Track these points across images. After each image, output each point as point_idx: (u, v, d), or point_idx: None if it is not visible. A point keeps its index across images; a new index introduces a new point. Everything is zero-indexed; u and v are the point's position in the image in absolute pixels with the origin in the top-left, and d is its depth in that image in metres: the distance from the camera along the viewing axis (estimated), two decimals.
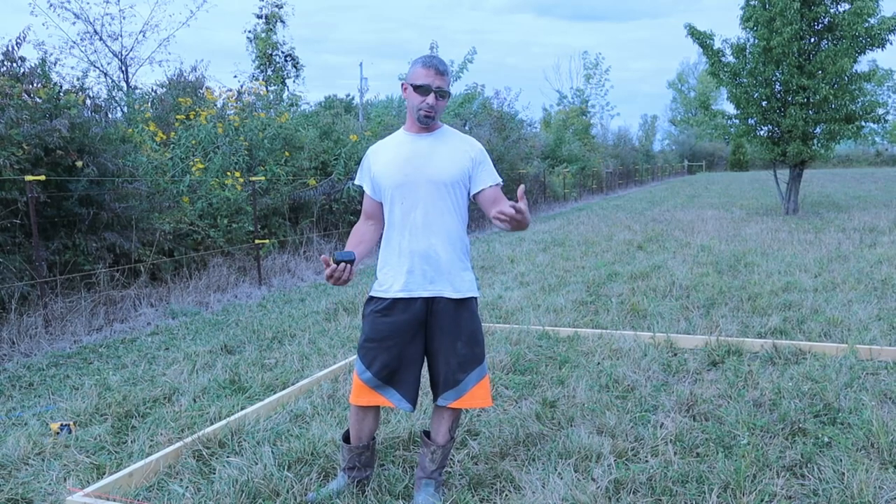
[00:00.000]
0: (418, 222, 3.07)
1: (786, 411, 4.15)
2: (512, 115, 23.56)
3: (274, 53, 15.55)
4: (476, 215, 16.60)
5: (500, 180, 3.18)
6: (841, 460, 3.53)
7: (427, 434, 3.30)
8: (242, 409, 4.45)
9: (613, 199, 27.88)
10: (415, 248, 3.07)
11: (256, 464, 3.58)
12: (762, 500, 3.16)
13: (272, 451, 3.73)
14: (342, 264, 2.92)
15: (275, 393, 4.77)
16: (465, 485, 3.39)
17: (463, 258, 3.15)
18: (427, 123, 3.06)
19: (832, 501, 3.12)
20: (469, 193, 3.18)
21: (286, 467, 3.57)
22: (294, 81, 15.94)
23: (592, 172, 31.45)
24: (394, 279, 3.11)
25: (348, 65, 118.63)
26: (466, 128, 19.22)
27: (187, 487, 3.42)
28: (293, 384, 4.92)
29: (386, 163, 3.13)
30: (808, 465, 3.51)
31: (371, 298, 3.19)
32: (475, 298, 3.20)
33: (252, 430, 4.08)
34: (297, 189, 11.12)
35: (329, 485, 3.34)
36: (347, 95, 23.55)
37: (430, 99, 2.99)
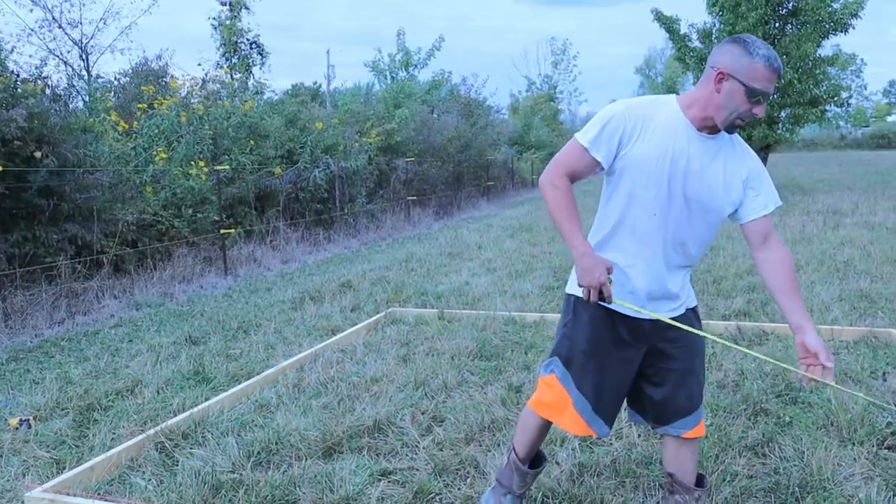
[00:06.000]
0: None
1: (748, 392, 4.19)
2: (480, 102, 23.55)
3: (239, 41, 15.36)
4: (445, 202, 16.59)
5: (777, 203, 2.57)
6: (801, 439, 3.57)
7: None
8: (207, 399, 4.40)
9: (582, 185, 27.97)
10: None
11: (221, 455, 3.55)
12: (724, 480, 3.19)
13: (236, 442, 3.69)
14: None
15: (239, 383, 4.73)
16: (430, 471, 3.38)
17: None
18: (732, 132, 2.49)
19: (792, 479, 3.16)
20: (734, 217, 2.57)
21: (250, 457, 3.54)
22: (260, 69, 15.78)
23: None
24: None
25: (318, 52, 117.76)
26: (434, 115, 19.18)
27: (150, 480, 3.38)
28: (258, 374, 4.88)
29: (647, 144, 2.43)
30: (770, 445, 3.55)
31: None
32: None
33: (216, 420, 4.04)
34: (262, 178, 11.02)
35: None
36: (314, 83, 23.40)
37: (760, 111, 2.38)
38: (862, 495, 3.01)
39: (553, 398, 2.66)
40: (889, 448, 3.51)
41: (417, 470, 3.42)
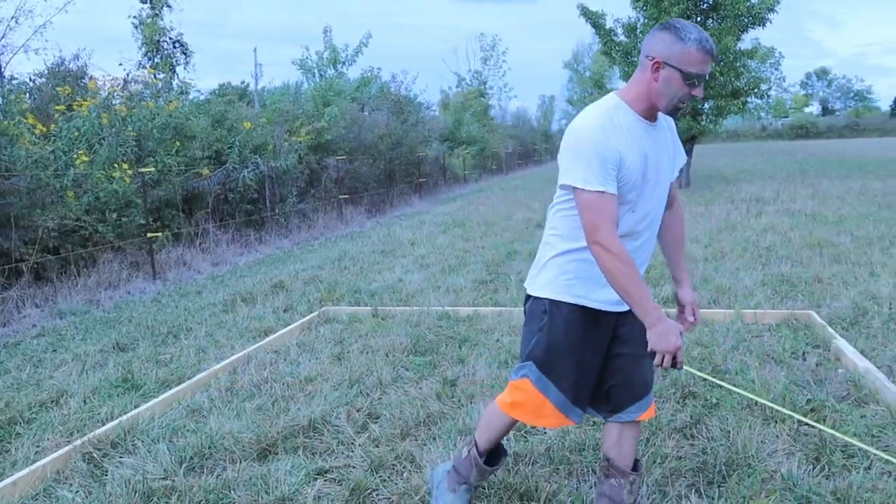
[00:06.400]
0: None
1: (677, 376, 4.30)
2: (410, 99, 23.53)
3: (161, 39, 14.99)
4: (377, 200, 16.55)
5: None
6: (727, 419, 3.68)
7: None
8: (136, 407, 4.29)
9: (513, 179, 28.24)
10: None
11: (152, 462, 3.47)
12: (655, 462, 3.27)
13: (168, 448, 3.62)
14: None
15: (170, 388, 4.63)
16: (366, 467, 3.37)
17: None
18: (675, 116, 2.57)
19: (719, 458, 3.26)
20: None
21: (183, 463, 3.48)
22: (184, 68, 15.43)
23: (492, 153, 31.75)
24: None
25: (247, 51, 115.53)
26: (365, 113, 19.08)
27: (77, 492, 3.28)
28: (190, 378, 4.78)
29: (629, 154, 2.44)
30: (698, 426, 3.65)
31: None
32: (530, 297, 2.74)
33: (147, 428, 3.95)
34: (189, 179, 10.79)
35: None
36: (242, 82, 23.03)
37: (699, 92, 2.42)
38: (784, 470, 3.12)
39: (527, 401, 2.67)
40: (809, 424, 3.64)
41: (354, 467, 3.41)
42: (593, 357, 2.60)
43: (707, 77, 2.45)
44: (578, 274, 2.55)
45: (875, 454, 3.18)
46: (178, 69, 15.39)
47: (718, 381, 2.53)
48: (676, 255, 2.82)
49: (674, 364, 2.36)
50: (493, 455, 2.94)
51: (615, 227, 2.36)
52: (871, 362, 4.34)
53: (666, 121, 2.64)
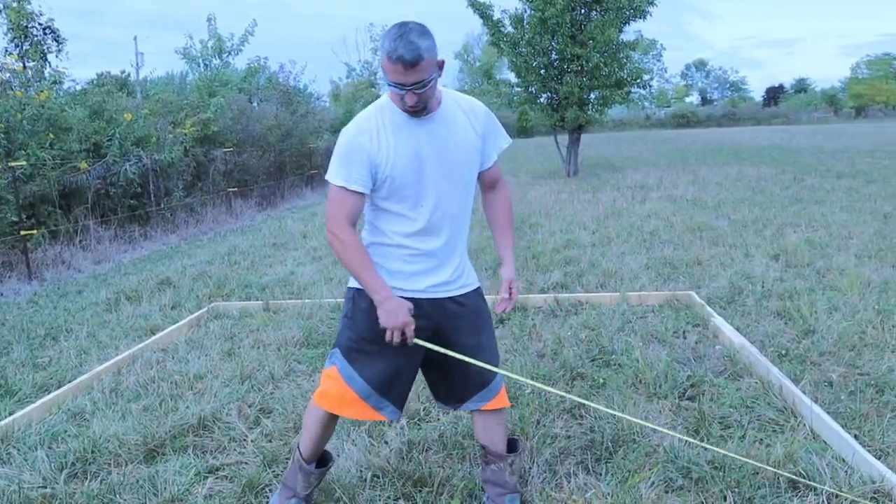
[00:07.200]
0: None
1: (566, 359, 4.42)
2: (300, 89, 23.15)
3: (30, 26, 14.15)
4: (268, 192, 16.24)
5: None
6: (614, 398, 3.82)
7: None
8: (11, 414, 4.07)
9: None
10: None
11: (29, 470, 3.30)
12: (544, 443, 3.35)
13: (47, 455, 3.46)
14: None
15: (49, 393, 4.42)
16: (259, 463, 3.32)
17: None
18: (419, 117, 2.51)
19: (606, 436, 3.37)
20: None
21: (63, 469, 3.32)
22: (56, 57, 14.60)
23: None
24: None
25: (127, 39, 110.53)
26: (253, 103, 18.66)
27: None
28: (70, 381, 4.57)
29: (392, 152, 2.49)
30: (586, 406, 3.76)
31: None
32: None
33: (23, 435, 3.75)
34: (66, 174, 10.28)
35: None
36: (122, 72, 22.07)
37: (409, 99, 2.39)
38: (666, 443, 3.26)
39: (336, 390, 2.67)
40: (689, 399, 3.82)
41: (246, 463, 3.35)
42: (404, 349, 2.57)
43: (415, 85, 2.35)
44: (380, 264, 2.60)
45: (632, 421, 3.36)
46: (50, 57, 14.57)
47: (444, 351, 2.60)
48: (500, 233, 2.84)
49: (403, 341, 2.49)
50: (321, 461, 2.91)
51: (348, 220, 2.48)
52: (745, 338, 4.59)
53: (462, 107, 2.62)
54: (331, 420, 2.75)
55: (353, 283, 2.67)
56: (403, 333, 2.47)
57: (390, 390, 2.65)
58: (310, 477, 2.82)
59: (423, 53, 2.31)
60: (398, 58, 2.30)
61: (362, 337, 2.61)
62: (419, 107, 2.43)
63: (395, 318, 2.44)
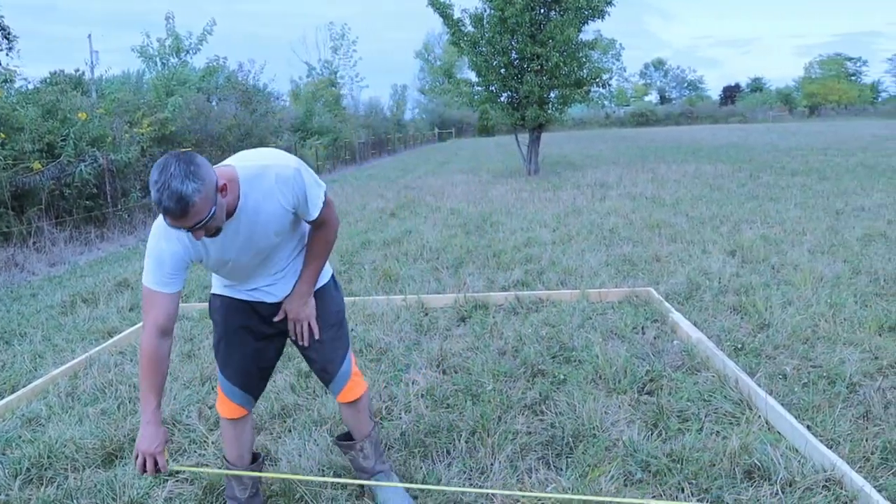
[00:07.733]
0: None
1: (527, 356, 4.45)
2: (259, 89, 22.94)
3: None
4: None
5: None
6: (574, 394, 3.85)
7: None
8: None
9: (367, 169, 28.13)
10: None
11: None
12: (506, 439, 3.38)
13: (0, 462, 3.39)
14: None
15: (2, 398, 4.33)
16: (219, 465, 3.29)
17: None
18: (217, 235, 2.41)
19: (566, 431, 3.41)
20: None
21: (18, 476, 3.27)
22: (7, 55, 14.26)
23: (345, 144, 31.52)
24: None
25: (81, 37, 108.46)
26: (212, 103, 18.45)
27: None
28: (24, 386, 4.49)
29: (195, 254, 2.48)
30: (546, 402, 3.79)
31: None
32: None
33: None
34: (18, 174, 10.07)
35: None
36: (77, 71, 21.60)
37: (196, 235, 2.25)
38: (625, 437, 3.31)
39: (218, 392, 2.87)
40: (648, 393, 3.87)
41: (207, 465, 3.32)
42: (257, 344, 2.76)
43: (195, 226, 2.19)
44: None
45: None
46: (0, 55, 14.23)
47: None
48: (308, 261, 2.73)
49: (156, 469, 2.49)
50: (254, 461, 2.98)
51: (159, 329, 2.43)
52: (702, 333, 4.66)
53: (264, 191, 2.43)
54: (229, 422, 2.85)
55: (213, 290, 2.82)
56: (156, 462, 2.49)
57: (250, 384, 2.81)
58: (241, 477, 2.87)
59: (191, 198, 2.11)
60: (164, 210, 2.13)
61: (220, 338, 2.78)
62: (210, 233, 2.32)
63: (146, 443, 2.46)
